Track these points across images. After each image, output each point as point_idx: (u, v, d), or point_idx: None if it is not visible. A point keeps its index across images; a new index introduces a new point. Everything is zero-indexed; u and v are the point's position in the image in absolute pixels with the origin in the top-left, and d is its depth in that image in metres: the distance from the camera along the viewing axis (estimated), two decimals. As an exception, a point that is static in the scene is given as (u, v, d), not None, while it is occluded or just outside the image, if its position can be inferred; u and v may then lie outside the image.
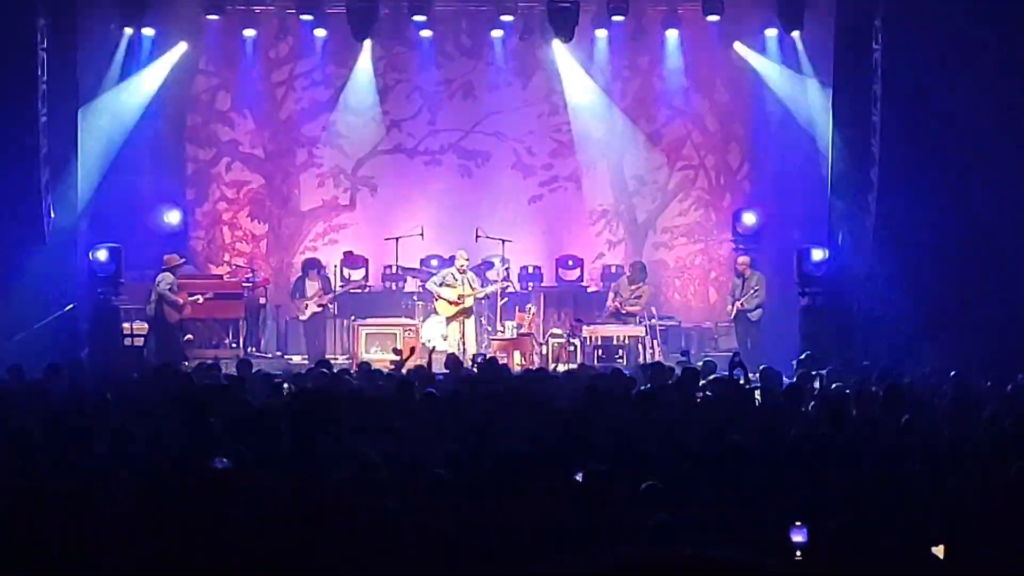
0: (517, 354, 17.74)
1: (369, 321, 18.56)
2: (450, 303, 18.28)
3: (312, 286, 19.18)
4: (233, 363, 15.21)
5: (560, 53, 20.20)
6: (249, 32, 20.17)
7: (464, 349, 17.78)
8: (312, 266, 19.37)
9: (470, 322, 18.40)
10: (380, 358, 16.91)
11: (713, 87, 20.73)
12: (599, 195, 21.02)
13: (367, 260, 20.09)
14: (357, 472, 8.15)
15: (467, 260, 18.55)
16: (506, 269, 19.10)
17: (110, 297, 17.45)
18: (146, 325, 17.86)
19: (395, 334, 18.05)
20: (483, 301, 18.69)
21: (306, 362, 17.54)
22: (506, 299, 18.78)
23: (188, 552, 6.80)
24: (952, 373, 13.37)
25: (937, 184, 16.96)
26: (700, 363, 14.90)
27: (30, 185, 16.92)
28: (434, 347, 17.07)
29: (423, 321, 18.64)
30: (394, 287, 19.80)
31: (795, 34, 18.96)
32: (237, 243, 21.06)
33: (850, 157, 17.72)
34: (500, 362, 15.59)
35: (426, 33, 20.21)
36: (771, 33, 19.51)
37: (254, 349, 19.06)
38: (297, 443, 9.35)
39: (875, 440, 9.53)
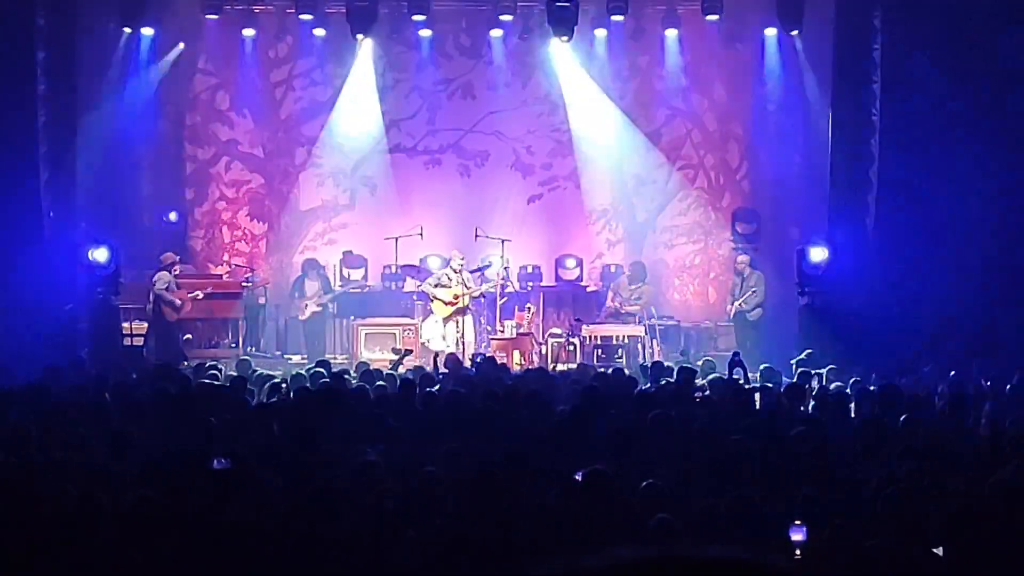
0: (517, 354, 17.72)
1: (368, 321, 18.57)
2: (446, 303, 18.28)
3: (312, 286, 19.18)
4: (232, 363, 15.21)
5: (559, 53, 20.18)
6: (248, 32, 20.16)
7: (463, 347, 17.77)
8: (312, 266, 19.38)
9: (468, 320, 18.39)
10: (379, 358, 16.92)
11: (712, 87, 20.72)
12: (598, 195, 21.00)
13: (366, 260, 20.10)
14: (357, 472, 8.15)
15: (462, 260, 18.53)
16: (506, 269, 19.07)
17: (109, 297, 17.41)
18: (145, 325, 17.86)
19: (394, 334, 18.08)
20: (481, 300, 18.68)
21: (305, 362, 17.53)
22: (506, 299, 18.75)
23: (187, 552, 6.80)
24: (951, 373, 13.38)
25: (936, 184, 16.97)
26: (700, 363, 14.93)
27: (29, 185, 16.93)
28: (436, 352, 17.04)
29: (422, 321, 18.64)
30: (393, 287, 19.80)
31: (794, 34, 18.98)
32: (236, 243, 21.04)
33: (850, 157, 17.73)
34: (500, 362, 15.60)
35: (425, 33, 20.19)
36: (770, 33, 19.54)
37: (253, 349, 19.03)
38: (296, 443, 9.34)
39: (874, 440, 9.53)
